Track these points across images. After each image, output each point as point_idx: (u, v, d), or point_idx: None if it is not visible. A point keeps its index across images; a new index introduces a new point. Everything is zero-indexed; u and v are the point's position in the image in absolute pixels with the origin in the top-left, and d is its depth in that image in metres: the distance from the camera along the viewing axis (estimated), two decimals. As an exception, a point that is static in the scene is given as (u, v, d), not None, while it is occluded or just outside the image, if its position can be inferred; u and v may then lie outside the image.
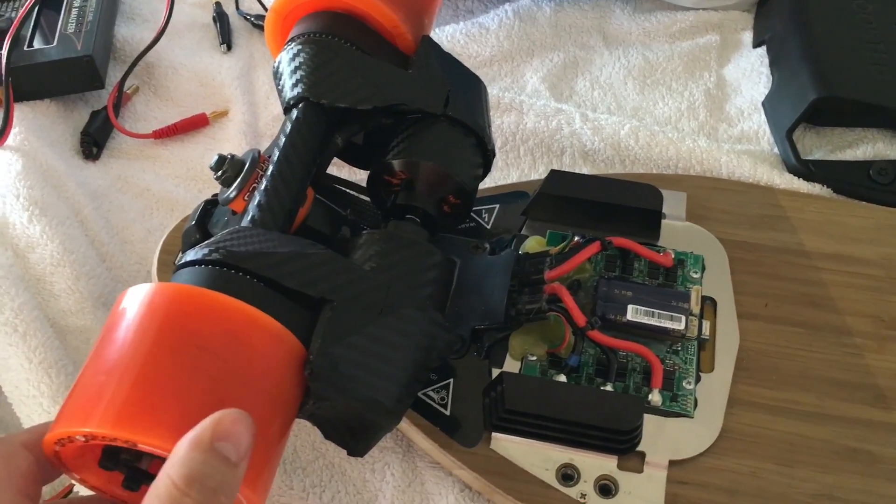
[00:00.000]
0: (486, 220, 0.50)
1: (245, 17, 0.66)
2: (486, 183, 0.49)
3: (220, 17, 0.65)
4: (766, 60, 0.60)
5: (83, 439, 0.30)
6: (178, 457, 0.27)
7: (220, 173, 0.41)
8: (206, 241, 0.36)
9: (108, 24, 0.61)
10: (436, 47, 0.46)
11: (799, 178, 0.53)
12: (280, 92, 0.44)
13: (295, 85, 0.43)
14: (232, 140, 0.57)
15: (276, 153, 0.41)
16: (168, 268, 0.48)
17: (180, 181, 0.56)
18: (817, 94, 0.53)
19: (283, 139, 0.41)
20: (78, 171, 0.55)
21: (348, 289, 0.36)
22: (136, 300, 0.32)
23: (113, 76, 0.61)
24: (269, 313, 0.33)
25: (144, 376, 0.30)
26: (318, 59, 0.43)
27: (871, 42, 0.56)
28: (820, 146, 0.56)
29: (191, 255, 0.36)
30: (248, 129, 0.58)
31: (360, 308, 0.36)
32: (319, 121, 0.42)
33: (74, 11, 0.59)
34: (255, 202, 0.39)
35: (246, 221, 0.38)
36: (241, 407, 0.30)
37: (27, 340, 0.44)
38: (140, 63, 0.60)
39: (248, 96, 0.61)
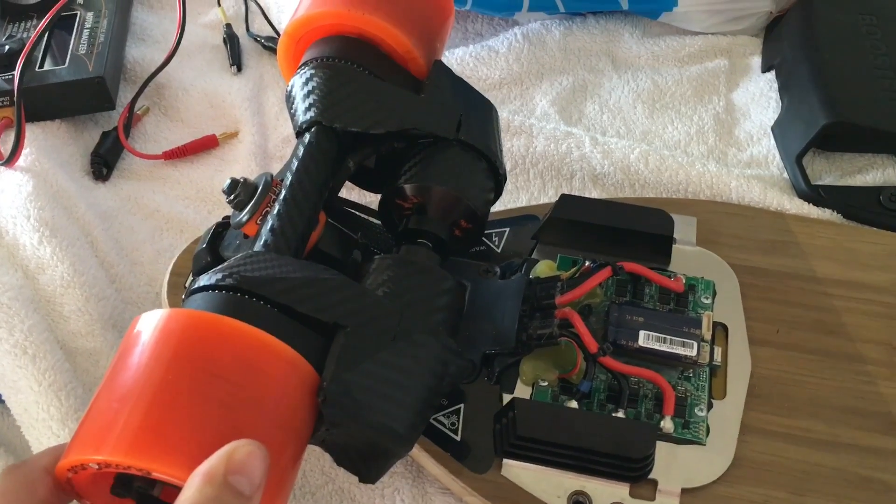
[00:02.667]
0: (497, 243, 0.50)
1: (255, 39, 0.66)
2: (496, 206, 0.49)
3: (231, 39, 0.65)
4: (776, 85, 0.61)
5: (96, 467, 0.30)
6: (192, 491, 0.27)
7: (232, 197, 0.41)
8: (218, 266, 0.36)
9: (119, 46, 0.62)
10: (447, 72, 0.46)
11: (809, 203, 0.53)
12: (292, 116, 0.44)
13: (308, 109, 0.43)
14: (242, 161, 0.58)
15: (289, 177, 0.41)
16: (178, 290, 0.48)
17: (190, 202, 0.56)
18: (827, 119, 0.54)
19: (296, 163, 0.41)
20: (88, 192, 0.55)
21: (361, 314, 0.36)
22: (149, 326, 0.32)
23: (124, 97, 0.61)
24: (282, 339, 0.33)
25: (158, 403, 0.30)
26: (330, 84, 0.43)
27: (881, 68, 0.56)
28: (829, 171, 0.56)
29: (203, 279, 0.36)
30: (258, 150, 0.59)
31: (374, 334, 0.36)
32: (332, 145, 0.42)
33: (86, 33, 0.60)
34: (268, 227, 0.39)
35: (258, 246, 0.38)
36: (254, 434, 0.30)
37: (37, 363, 0.44)
38: (151, 84, 0.61)
39: (258, 118, 0.61)
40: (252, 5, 0.68)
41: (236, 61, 0.64)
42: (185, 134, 0.60)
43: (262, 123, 0.61)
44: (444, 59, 0.51)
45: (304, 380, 0.33)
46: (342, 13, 0.44)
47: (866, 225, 0.52)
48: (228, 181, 0.41)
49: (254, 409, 0.31)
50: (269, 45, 0.65)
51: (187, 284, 0.45)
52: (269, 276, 0.35)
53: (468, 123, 0.44)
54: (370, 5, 0.44)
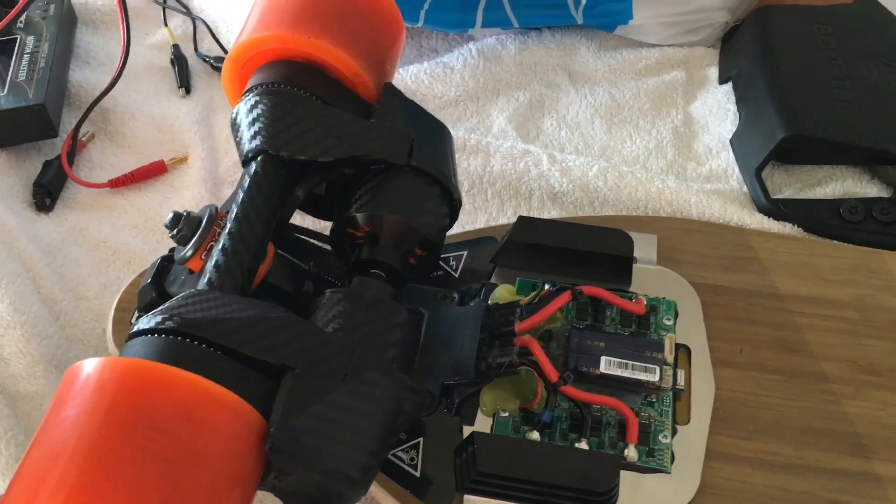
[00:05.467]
0: (454, 267, 0.49)
1: (204, 59, 0.65)
2: (454, 228, 0.48)
3: (179, 60, 0.64)
4: (733, 97, 0.60)
5: (26, 532, 0.28)
6: None
7: (175, 231, 0.39)
8: (159, 308, 0.35)
9: (61, 70, 0.60)
10: (398, 95, 0.45)
11: (769, 217, 0.53)
12: (238, 144, 0.43)
13: (253, 137, 0.41)
14: (191, 188, 0.56)
15: (234, 209, 0.39)
16: (124, 326, 0.46)
17: (138, 232, 0.55)
18: (785, 132, 0.53)
19: (241, 194, 0.40)
20: (30, 225, 0.53)
21: (310, 354, 0.35)
22: (83, 377, 0.31)
23: (67, 123, 0.59)
24: (225, 385, 0.31)
25: (92, 461, 0.28)
26: (277, 111, 0.41)
27: (837, 79, 0.56)
28: (789, 184, 0.55)
29: (143, 322, 0.34)
30: (209, 175, 0.57)
31: (323, 374, 0.34)
32: (279, 174, 0.41)
33: (26, 58, 0.58)
34: (213, 262, 0.37)
35: (202, 283, 0.37)
36: (196, 488, 0.29)
37: (-26, 410, 0.42)
38: (95, 109, 0.59)
39: (208, 141, 0.59)
40: (200, 25, 0.67)
41: (184, 83, 0.62)
42: (132, 160, 0.58)
43: (213, 147, 0.59)
44: (398, 76, 0.50)
45: (250, 427, 0.32)
46: (286, 37, 0.43)
47: (827, 238, 0.52)
48: (171, 215, 0.39)
49: (196, 461, 0.30)
50: (218, 65, 0.64)
51: (133, 321, 0.44)
52: (211, 318, 0.34)
53: (420, 148, 0.42)
54: (316, 28, 0.43)
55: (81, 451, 0.29)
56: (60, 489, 0.28)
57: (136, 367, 0.31)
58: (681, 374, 0.43)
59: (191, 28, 0.67)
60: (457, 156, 0.47)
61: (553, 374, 0.40)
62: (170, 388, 0.30)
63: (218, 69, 0.64)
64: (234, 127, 0.43)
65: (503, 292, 0.46)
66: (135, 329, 0.34)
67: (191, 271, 0.40)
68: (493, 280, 0.47)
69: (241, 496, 0.31)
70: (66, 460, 0.28)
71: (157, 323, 0.33)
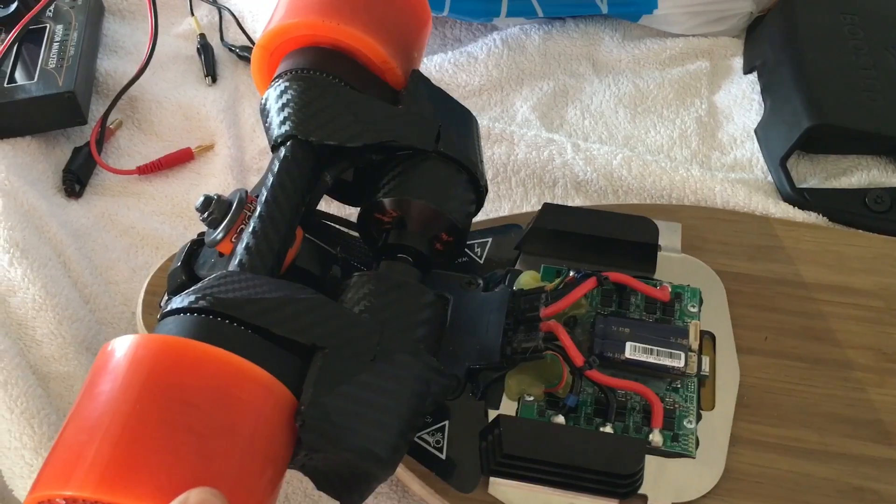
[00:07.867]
0: (479, 254, 0.49)
1: (230, 49, 0.65)
2: (478, 216, 0.48)
3: (205, 49, 0.64)
4: (758, 87, 0.60)
5: (64, 502, 0.29)
6: None
7: (206, 214, 0.40)
8: (192, 288, 0.35)
9: (90, 59, 0.61)
10: (426, 82, 0.45)
11: (794, 206, 0.52)
12: (267, 129, 0.43)
13: (283, 122, 0.42)
14: (218, 175, 0.56)
15: (264, 193, 0.40)
16: (153, 309, 0.47)
17: (165, 218, 0.55)
18: (811, 121, 0.53)
19: (271, 178, 0.40)
20: (60, 210, 0.54)
21: (340, 335, 0.35)
22: (118, 353, 0.31)
23: (96, 111, 0.60)
24: (257, 363, 0.32)
25: (127, 434, 0.29)
26: (306, 97, 0.42)
27: (863, 68, 0.56)
28: (814, 174, 0.55)
29: (176, 302, 0.35)
30: (235, 163, 0.57)
31: (353, 354, 0.35)
32: (308, 159, 0.41)
33: (56, 46, 0.58)
34: (243, 245, 0.38)
35: (234, 265, 0.37)
36: (228, 463, 0.29)
37: (8, 390, 0.43)
38: (123, 97, 0.59)
39: (234, 129, 0.60)
40: (226, 14, 0.67)
41: (211, 72, 0.63)
42: (160, 148, 0.59)
43: (239, 135, 0.60)
44: (422, 66, 0.50)
45: (281, 404, 0.32)
46: (316, 24, 0.43)
47: (852, 227, 0.52)
48: (202, 198, 0.39)
49: (227, 437, 0.30)
50: (243, 54, 0.64)
51: (162, 304, 0.44)
52: (243, 298, 0.34)
53: (447, 134, 0.43)
54: (345, 15, 0.43)
55: (117, 424, 0.29)
56: (96, 463, 0.28)
57: (170, 343, 0.31)
58: (705, 360, 0.43)
59: (217, 17, 0.67)
60: (482, 145, 0.48)
61: (578, 359, 0.41)
62: (203, 363, 0.31)
63: (243, 58, 0.64)
64: (264, 113, 0.44)
65: (528, 278, 0.46)
66: (168, 308, 0.35)
67: (220, 254, 0.40)
68: (517, 266, 0.48)
69: (272, 472, 0.32)
70: (102, 433, 0.29)
71: (191, 302, 0.34)
